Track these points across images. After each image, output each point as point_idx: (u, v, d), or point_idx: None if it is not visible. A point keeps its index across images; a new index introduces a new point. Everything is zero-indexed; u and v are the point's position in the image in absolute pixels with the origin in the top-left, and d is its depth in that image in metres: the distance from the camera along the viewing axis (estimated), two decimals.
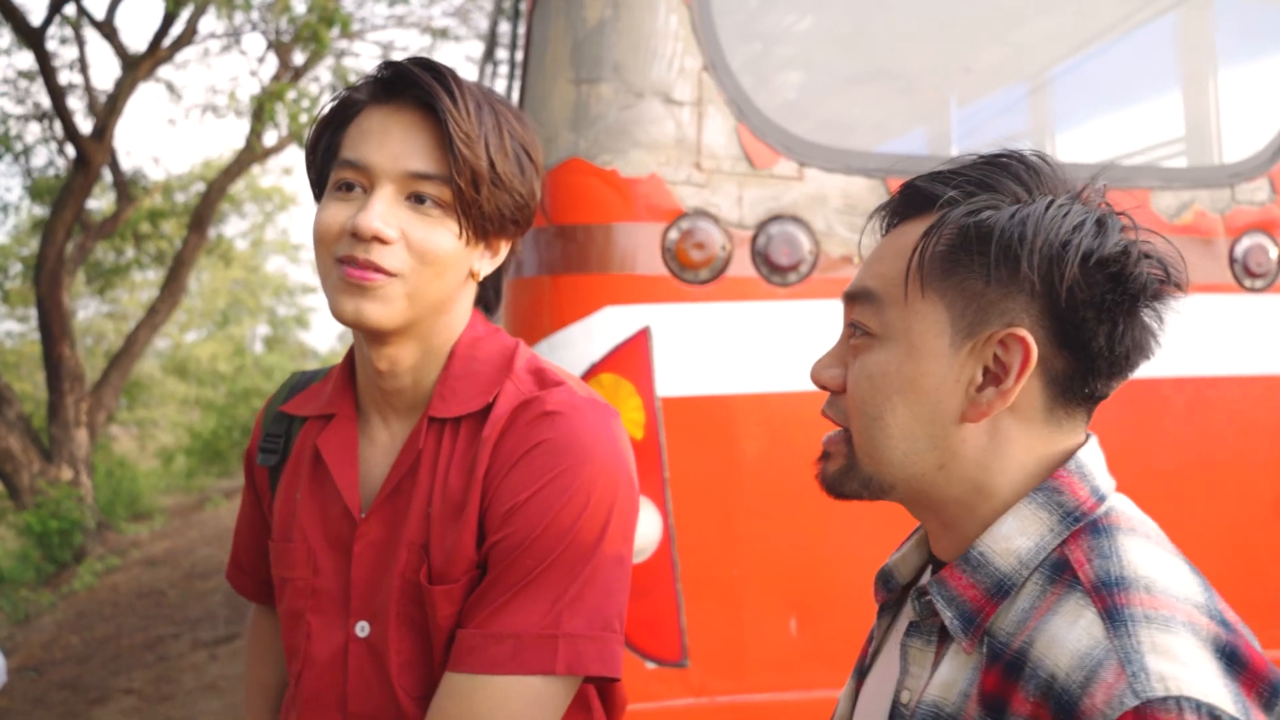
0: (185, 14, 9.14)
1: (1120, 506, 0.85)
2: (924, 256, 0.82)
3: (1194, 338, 2.31)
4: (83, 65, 9.98)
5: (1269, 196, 2.36)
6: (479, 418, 1.08)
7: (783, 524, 2.04)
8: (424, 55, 1.07)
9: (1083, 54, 3.05)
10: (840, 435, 0.90)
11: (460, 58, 13.15)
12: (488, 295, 1.19)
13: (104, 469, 12.22)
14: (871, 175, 2.09)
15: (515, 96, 2.47)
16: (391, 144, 1.02)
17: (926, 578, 0.94)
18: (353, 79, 9.87)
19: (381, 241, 0.99)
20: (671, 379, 1.99)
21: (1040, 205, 0.81)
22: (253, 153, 11.07)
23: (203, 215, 11.28)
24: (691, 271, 2.00)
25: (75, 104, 10.18)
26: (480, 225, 1.05)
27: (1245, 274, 2.34)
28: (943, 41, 2.76)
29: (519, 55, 2.60)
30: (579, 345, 1.96)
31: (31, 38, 8.48)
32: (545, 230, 2.04)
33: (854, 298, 0.88)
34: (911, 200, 0.88)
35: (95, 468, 10.70)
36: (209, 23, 14.28)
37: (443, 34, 11.16)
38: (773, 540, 2.04)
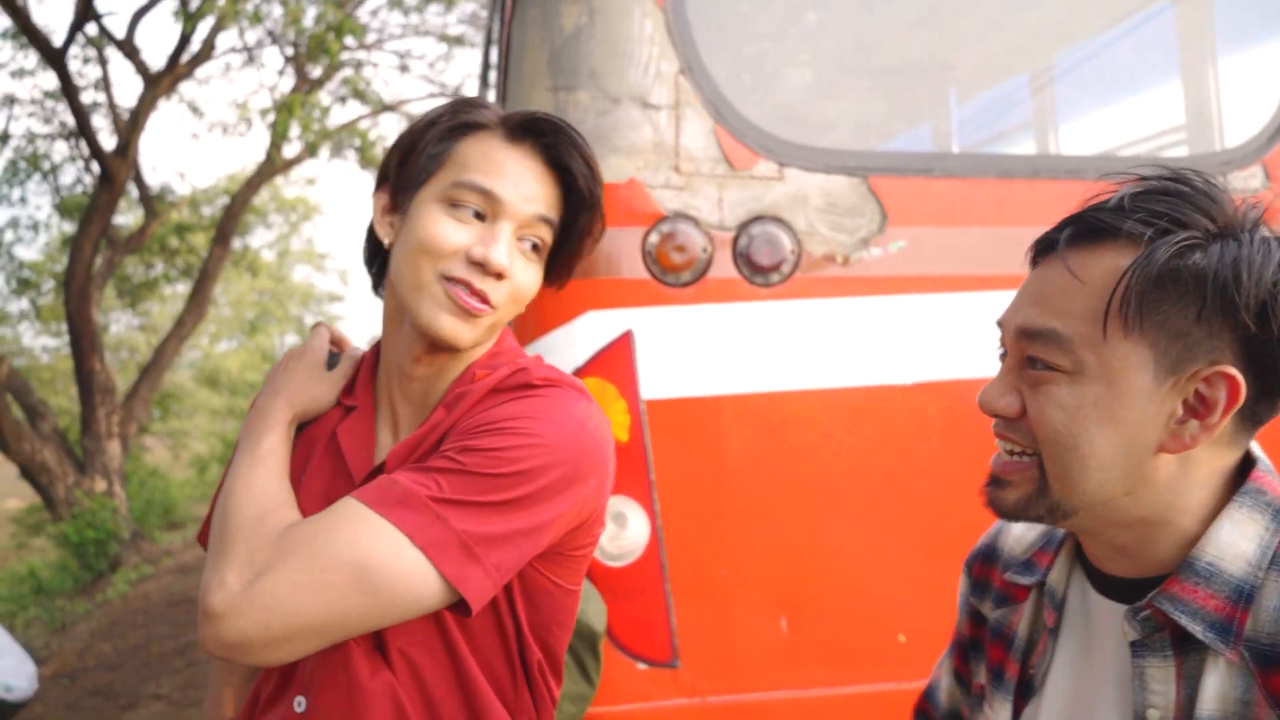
0: (203, 31, 9.27)
1: None
2: (1128, 298, 0.83)
3: None
4: (105, 84, 10.15)
5: (1263, 183, 2.33)
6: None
7: (771, 523, 2.05)
8: (547, 112, 1.13)
9: (1081, 44, 3.02)
10: (1029, 463, 0.91)
11: (476, 64, 13.26)
12: None
13: (137, 479, 12.41)
14: (853, 174, 2.08)
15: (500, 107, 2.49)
16: (526, 186, 1.09)
17: (1085, 589, 0.97)
18: (363, 88, 9.97)
19: (500, 278, 1.07)
20: (656, 382, 2.00)
21: (1245, 245, 0.83)
22: (273, 165, 11.21)
23: (227, 227, 11.43)
24: (673, 274, 2.01)
25: (99, 122, 10.37)
26: (564, 270, 1.17)
27: None
28: (929, 37, 2.75)
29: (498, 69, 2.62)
30: (562, 351, 1.97)
31: (54, 59, 8.63)
32: None
33: (1033, 336, 0.89)
34: (1085, 232, 0.88)
35: (129, 478, 10.87)
36: (228, 39, 14.48)
37: (458, 41, 11.23)
38: (761, 540, 2.04)
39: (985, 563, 1.12)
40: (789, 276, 2.05)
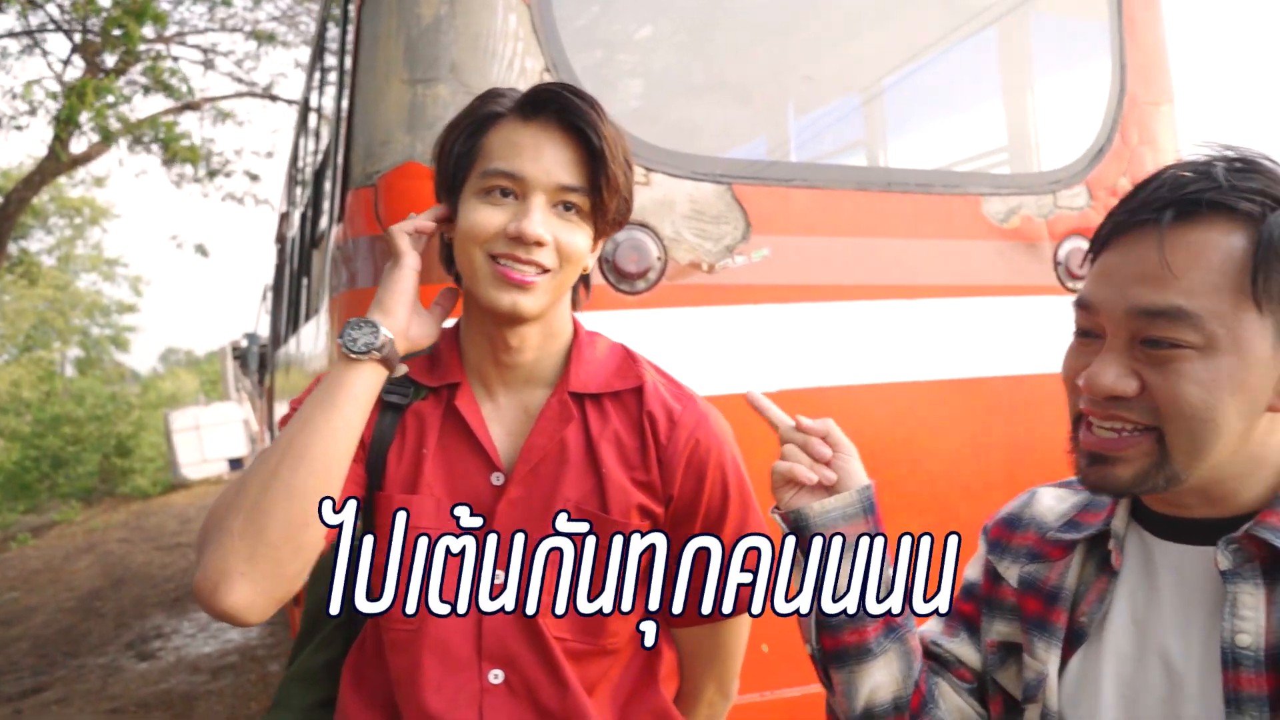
0: None
1: None
2: (1261, 274, 0.90)
3: (1021, 338, 2.40)
4: None
5: (1087, 202, 2.49)
6: (628, 394, 1.28)
7: None
8: (561, 83, 1.22)
9: (913, 65, 3.15)
10: (1142, 437, 0.95)
11: (289, 63, 12.66)
12: (576, 286, 1.34)
13: None
14: (719, 181, 2.07)
15: (345, 100, 2.32)
16: (545, 159, 1.18)
17: (1143, 537, 1.04)
18: (171, 81, 9.29)
19: (540, 245, 1.17)
20: None
21: None
22: (58, 160, 10.24)
23: (2, 229, 10.35)
24: None
25: None
26: (604, 228, 1.24)
27: (1068, 276, 2.46)
28: (782, 50, 2.79)
29: (348, 58, 2.46)
30: None
31: None
32: (380, 238, 1.92)
33: (1155, 315, 0.92)
34: (1187, 210, 0.92)
35: None
36: (5, 21, 13.20)
37: (269, 39, 10.65)
38: None
39: (1007, 528, 1.19)
40: (655, 284, 2.01)
